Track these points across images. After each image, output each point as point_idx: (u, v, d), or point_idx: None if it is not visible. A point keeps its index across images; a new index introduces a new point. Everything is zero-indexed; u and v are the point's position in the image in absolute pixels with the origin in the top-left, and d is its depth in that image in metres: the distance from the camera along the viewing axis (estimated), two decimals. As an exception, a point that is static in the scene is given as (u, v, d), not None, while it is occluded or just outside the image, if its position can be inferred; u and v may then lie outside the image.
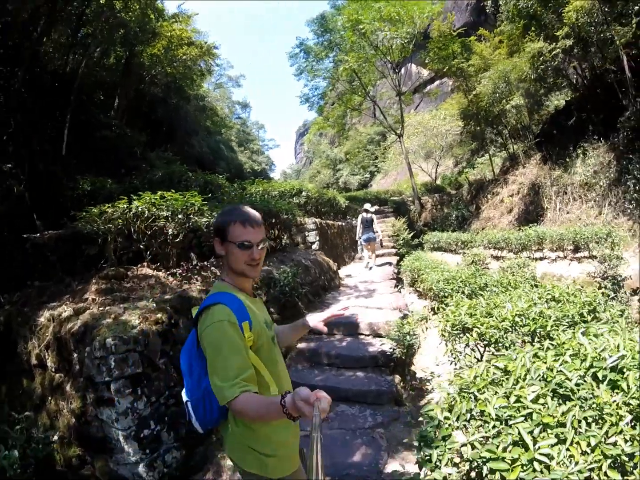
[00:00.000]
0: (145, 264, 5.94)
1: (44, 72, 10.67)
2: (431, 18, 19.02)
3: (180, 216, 5.67)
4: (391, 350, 5.21)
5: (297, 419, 1.47)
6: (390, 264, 12.47)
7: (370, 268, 11.68)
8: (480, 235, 12.58)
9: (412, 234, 15.74)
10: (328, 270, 9.19)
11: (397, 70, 21.56)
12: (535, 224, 13.22)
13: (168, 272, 5.90)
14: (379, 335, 5.97)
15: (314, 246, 10.60)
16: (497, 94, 15.51)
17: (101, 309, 4.30)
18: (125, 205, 5.53)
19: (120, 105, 15.73)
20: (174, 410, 3.91)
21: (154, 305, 4.35)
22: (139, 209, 5.53)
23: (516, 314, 3.69)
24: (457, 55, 17.61)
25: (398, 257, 13.39)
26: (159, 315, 4.16)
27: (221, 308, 1.72)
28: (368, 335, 6.11)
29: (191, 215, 5.87)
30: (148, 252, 5.88)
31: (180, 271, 5.97)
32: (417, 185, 21.90)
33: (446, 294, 6.36)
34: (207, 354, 1.69)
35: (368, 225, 11.51)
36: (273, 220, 8.03)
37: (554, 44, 12.92)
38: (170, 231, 5.67)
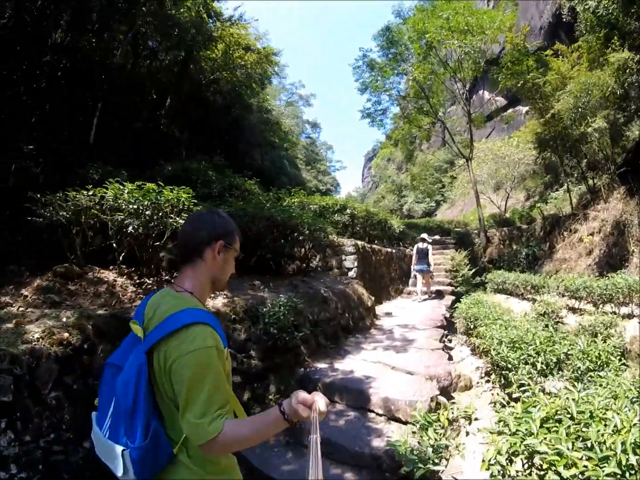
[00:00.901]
0: (114, 266, 4.97)
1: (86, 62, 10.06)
2: (502, 30, 17.02)
3: (147, 212, 4.33)
4: (403, 457, 3.03)
5: (297, 424, 1.42)
6: (442, 303, 10.53)
7: (425, 299, 10.86)
8: (555, 280, 10.34)
9: (473, 271, 13.59)
10: (357, 306, 7.33)
11: (467, 88, 19.65)
12: (620, 271, 10.91)
13: (136, 281, 4.87)
14: (396, 420, 4.05)
15: (351, 273, 8.89)
16: (579, 112, 13.25)
17: (22, 309, 3.78)
18: (99, 194, 4.58)
19: (172, 105, 15.05)
20: (56, 460, 2.87)
21: (73, 319, 3.46)
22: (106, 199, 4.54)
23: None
24: (531, 70, 15.47)
25: (454, 297, 11.29)
26: (65, 335, 3.20)
27: (208, 331, 1.45)
28: (380, 414, 4.15)
29: (169, 214, 4.55)
30: (119, 253, 4.86)
31: (151, 282, 4.70)
32: (485, 216, 19.60)
33: (509, 365, 4.48)
34: (183, 385, 1.37)
35: (423, 256, 10.92)
36: (292, 234, 6.51)
37: (640, 54, 10.90)
38: (130, 229, 4.49)
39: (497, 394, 4.96)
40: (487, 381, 5.91)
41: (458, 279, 12.90)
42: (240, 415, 1.68)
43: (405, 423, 3.83)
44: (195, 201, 4.95)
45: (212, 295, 4.76)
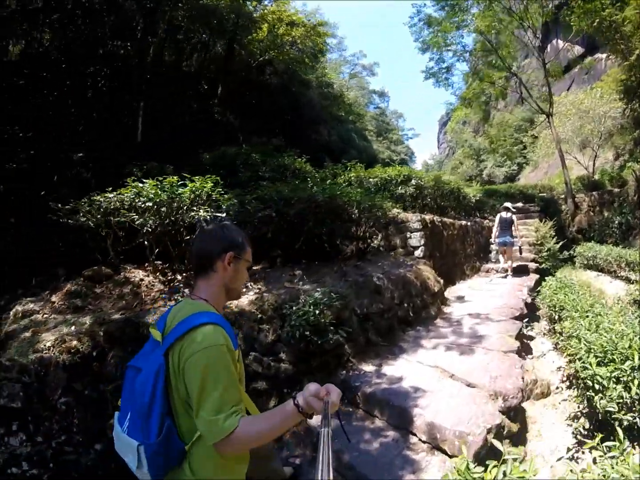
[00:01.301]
0: (147, 264, 4.77)
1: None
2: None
3: (163, 209, 3.86)
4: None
5: (312, 416, 1.43)
6: (524, 282, 9.36)
7: (505, 276, 9.92)
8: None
9: (560, 244, 12.05)
10: (421, 293, 6.41)
11: (538, 37, 17.50)
12: None
13: (168, 277, 4.63)
14: (441, 451, 3.18)
15: (417, 252, 8.03)
16: None
17: (46, 316, 3.85)
18: (126, 194, 4.39)
19: (223, 93, 14.90)
20: (67, 460, 2.95)
21: (87, 326, 3.50)
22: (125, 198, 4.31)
23: None
24: (606, 7, 13.17)
25: (538, 276, 10.00)
26: (74, 343, 3.24)
27: (218, 330, 1.53)
28: (423, 441, 3.31)
29: (191, 206, 4.05)
30: (151, 250, 4.64)
31: (181, 278, 4.56)
32: (571, 179, 17.58)
33: (596, 384, 3.49)
34: (198, 383, 1.43)
35: (506, 226, 9.90)
36: (341, 215, 5.79)
37: None
38: (147, 228, 4.25)
39: (578, 408, 4.08)
40: (569, 387, 4.84)
41: (543, 253, 11.50)
42: (253, 413, 1.75)
43: (451, 457, 3.03)
44: (222, 190, 4.41)
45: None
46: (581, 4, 13.99)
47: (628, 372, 3.37)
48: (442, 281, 7.54)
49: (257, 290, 4.57)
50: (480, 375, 4.15)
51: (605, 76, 22.97)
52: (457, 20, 17.43)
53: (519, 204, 18.36)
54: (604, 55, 29.14)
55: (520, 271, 10.45)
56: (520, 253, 10.66)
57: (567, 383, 4.77)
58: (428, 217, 8.77)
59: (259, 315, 4.11)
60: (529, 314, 7.34)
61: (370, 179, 8.99)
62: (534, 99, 18.52)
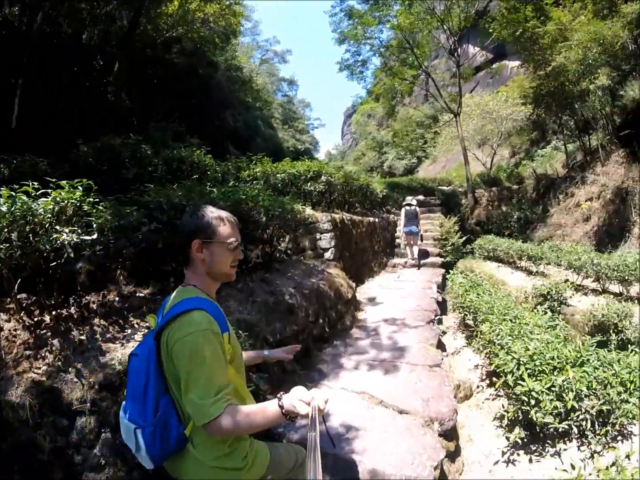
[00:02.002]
0: (9, 299, 3.14)
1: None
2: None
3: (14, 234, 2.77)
4: None
5: (296, 420, 1.48)
6: (432, 278, 9.29)
7: (407, 263, 10.80)
8: (554, 251, 9.12)
9: (464, 239, 12.39)
10: (335, 304, 5.89)
11: (456, 38, 17.78)
12: (621, 243, 10.32)
13: (34, 319, 3.14)
14: None
15: (328, 254, 7.52)
16: (585, 65, 11.87)
17: None
18: None
19: (121, 72, 12.97)
20: None
21: None
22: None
23: None
24: (530, 19, 13.79)
25: (444, 271, 10.12)
26: None
27: (203, 314, 1.53)
28: None
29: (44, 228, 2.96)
30: (12, 282, 3.05)
31: (47, 324, 3.24)
32: (472, 175, 18.18)
33: (532, 400, 3.47)
34: (184, 367, 1.47)
35: (412, 218, 10.72)
36: (248, 225, 4.95)
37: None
38: None
39: (503, 406, 4.07)
40: (490, 385, 4.85)
41: (447, 247, 11.71)
42: (246, 396, 1.77)
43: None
44: (96, 198, 3.38)
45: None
46: (505, 14, 14.48)
47: (560, 384, 3.43)
48: (354, 285, 7.11)
49: (145, 333, 3.63)
50: (411, 399, 3.76)
51: (510, 82, 24.28)
52: (380, 14, 17.22)
53: (420, 197, 18.56)
54: (511, 63, 30.85)
55: (423, 254, 11.34)
56: (421, 239, 11.27)
57: (487, 381, 4.88)
58: (338, 216, 8.30)
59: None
60: (441, 310, 7.28)
61: (278, 175, 8.29)
62: (443, 98, 18.81)
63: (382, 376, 4.29)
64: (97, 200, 3.39)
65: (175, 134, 13.58)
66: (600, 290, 7.29)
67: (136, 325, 3.49)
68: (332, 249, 7.54)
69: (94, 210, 3.27)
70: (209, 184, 5.14)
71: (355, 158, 53.41)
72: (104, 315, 3.36)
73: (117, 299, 3.67)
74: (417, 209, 10.88)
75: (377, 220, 11.01)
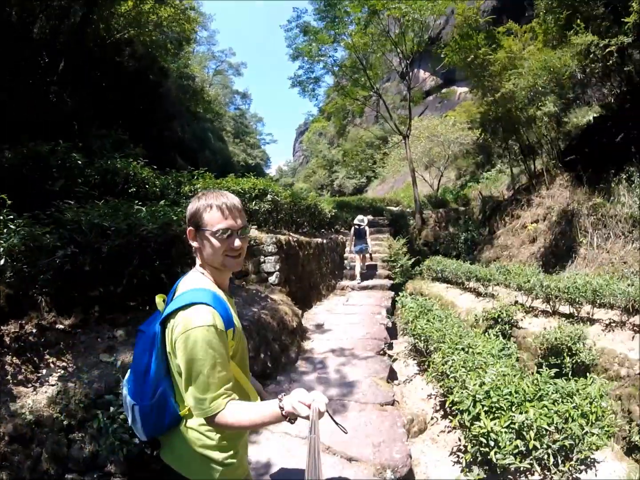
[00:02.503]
0: None
1: None
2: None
3: None
4: None
5: (295, 421, 1.46)
6: (381, 301, 9.00)
7: (357, 286, 10.58)
8: (502, 273, 9.04)
9: (412, 261, 12.25)
10: (279, 335, 5.41)
11: (408, 62, 17.90)
12: (568, 263, 10.25)
13: None
14: None
15: (272, 279, 7.04)
16: (534, 92, 12.12)
17: None
18: None
19: (67, 71, 12.01)
20: None
21: None
22: None
23: None
24: (482, 46, 14.05)
25: (393, 293, 9.83)
26: None
27: (208, 310, 1.47)
28: None
29: None
30: None
31: None
32: (419, 196, 18.28)
33: (490, 440, 3.27)
34: (185, 361, 1.44)
35: (361, 236, 10.92)
36: (181, 248, 4.37)
37: (607, 40, 9.98)
38: None
39: (459, 439, 3.96)
40: (444, 416, 4.61)
41: (396, 269, 11.52)
42: (250, 392, 1.71)
43: None
44: (10, 215, 2.82)
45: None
46: (458, 40, 14.52)
47: (520, 422, 3.25)
48: (300, 312, 6.69)
49: (62, 375, 3.02)
50: (362, 444, 3.40)
51: (458, 107, 25.02)
52: (335, 33, 17.09)
53: (370, 217, 18.49)
54: (460, 89, 31.76)
55: (371, 268, 11.71)
56: (371, 258, 11.61)
57: (442, 412, 4.67)
58: (284, 237, 7.86)
59: (65, 422, 2.67)
60: (390, 335, 7.00)
61: (221, 191, 7.75)
62: (393, 120, 18.88)
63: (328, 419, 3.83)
64: (12, 217, 2.85)
65: (116, 142, 12.75)
66: (551, 311, 7.17)
67: (52, 365, 3.07)
68: (277, 272, 7.08)
69: (5, 230, 2.73)
70: (139, 201, 4.44)
71: (306, 175, 53.53)
72: (17, 351, 2.97)
73: (34, 330, 3.21)
74: (367, 228, 11.07)
75: (325, 241, 10.64)
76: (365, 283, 10.60)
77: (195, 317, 1.43)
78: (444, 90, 30.83)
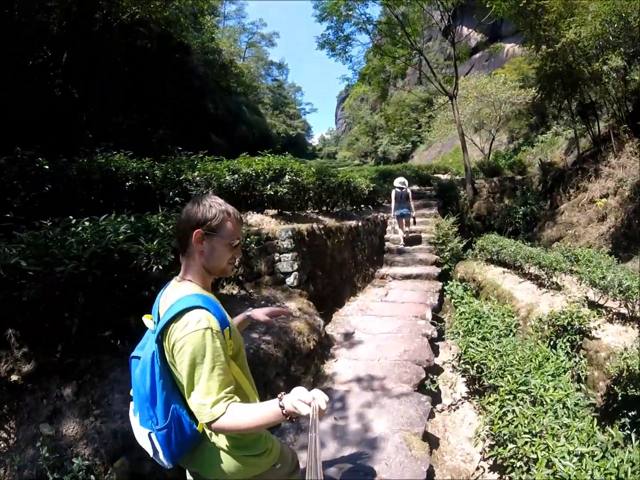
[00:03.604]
0: None
1: None
2: None
3: None
4: None
5: (296, 420, 1.45)
6: (426, 298, 7.59)
7: (402, 245, 10.45)
8: (570, 260, 7.48)
9: (465, 243, 10.58)
10: (287, 366, 4.14)
11: (450, 14, 15.75)
12: None
13: None
14: None
15: (290, 280, 5.82)
16: (601, 42, 10.08)
17: None
18: None
19: (73, 59, 11.02)
20: None
21: None
22: None
23: None
24: None
25: (441, 285, 8.41)
26: None
27: (202, 313, 1.49)
28: None
29: None
30: None
31: None
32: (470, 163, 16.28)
33: None
34: (185, 367, 1.44)
35: (403, 200, 10.33)
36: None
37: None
38: None
39: None
40: (493, 469, 3.54)
41: (445, 253, 9.97)
42: (250, 394, 1.70)
43: None
44: None
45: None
46: None
47: None
48: (322, 323, 5.41)
49: None
50: None
51: (508, 64, 23.75)
52: None
53: (415, 187, 17.25)
54: (508, 45, 29.42)
55: (413, 241, 10.76)
56: (414, 223, 10.81)
57: (491, 462, 3.62)
58: (305, 226, 6.58)
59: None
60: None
61: (227, 177, 6.53)
62: (437, 80, 16.82)
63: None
64: None
65: (130, 127, 11.87)
66: (629, 316, 5.62)
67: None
68: (295, 273, 5.84)
69: None
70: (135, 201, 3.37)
71: (349, 143, 52.19)
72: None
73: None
74: (409, 190, 10.45)
75: (361, 223, 9.26)
76: (409, 270, 9.18)
77: (190, 321, 1.44)
78: (493, 45, 28.46)
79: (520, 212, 12.83)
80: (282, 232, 5.98)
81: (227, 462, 1.61)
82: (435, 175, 21.30)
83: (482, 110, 20.08)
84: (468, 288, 8.48)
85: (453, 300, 7.94)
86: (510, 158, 19.72)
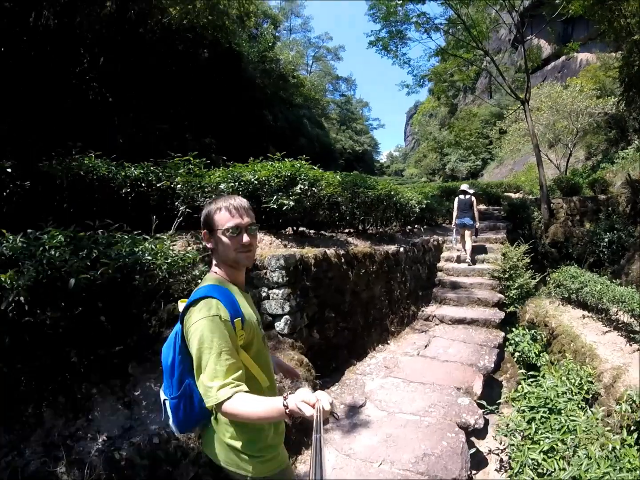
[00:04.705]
0: None
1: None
2: None
3: None
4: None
5: (299, 419, 1.42)
6: (478, 362, 5.50)
7: (459, 258, 9.27)
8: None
9: (538, 279, 8.19)
10: None
11: (518, 12, 13.62)
12: None
13: None
14: None
15: (280, 326, 4.15)
16: None
17: None
18: None
19: (107, 62, 10.33)
20: None
21: None
22: None
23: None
24: None
25: (502, 338, 6.34)
26: None
27: (212, 302, 1.54)
28: None
29: None
30: None
31: None
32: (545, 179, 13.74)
33: None
34: (195, 351, 1.50)
35: (466, 208, 9.27)
36: None
37: None
38: None
39: None
40: None
41: (512, 291, 7.77)
42: (261, 380, 1.69)
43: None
44: None
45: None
46: None
47: None
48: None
49: None
50: None
51: (583, 72, 22.07)
52: None
53: (482, 207, 15.07)
54: (580, 55, 28.42)
55: (479, 250, 9.60)
56: (476, 234, 9.62)
57: None
58: (315, 252, 4.89)
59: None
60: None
61: (222, 185, 5.04)
62: (507, 82, 14.52)
63: None
64: None
65: (163, 133, 10.95)
66: None
67: None
68: (287, 316, 4.17)
69: None
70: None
71: (417, 160, 50.38)
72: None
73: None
74: (473, 198, 9.32)
75: (403, 248, 7.36)
76: (463, 313, 7.10)
77: (201, 309, 1.50)
78: (561, 59, 26.20)
79: (606, 240, 10.24)
80: (271, 260, 4.33)
81: (220, 449, 1.64)
82: (506, 194, 18.95)
83: (557, 123, 18.05)
84: (538, 337, 6.46)
85: (517, 354, 6.01)
86: (588, 176, 16.89)
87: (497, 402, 4.30)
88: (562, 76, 28.81)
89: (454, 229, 9.40)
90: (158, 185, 4.92)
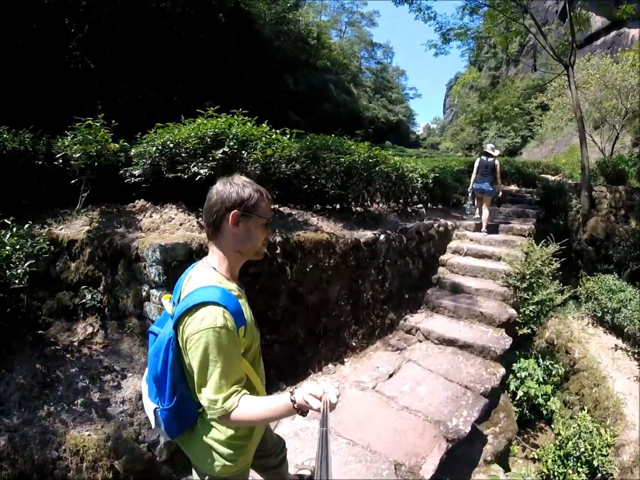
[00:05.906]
0: None
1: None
2: None
3: None
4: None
5: (306, 414, 1.38)
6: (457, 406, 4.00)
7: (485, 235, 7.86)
8: None
9: (566, 294, 6.21)
10: None
11: None
12: None
13: None
14: None
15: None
16: None
17: None
18: None
19: (92, 32, 9.58)
20: None
21: None
22: None
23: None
24: None
25: (502, 374, 4.49)
26: None
27: (219, 310, 1.39)
28: None
29: None
30: None
31: None
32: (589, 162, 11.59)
33: None
34: (197, 363, 1.39)
35: (487, 172, 8.07)
36: None
37: None
38: None
39: None
40: None
41: (529, 307, 5.66)
42: (259, 389, 1.62)
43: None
44: None
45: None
46: None
47: None
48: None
49: None
50: None
51: (635, 46, 20.59)
52: None
53: (513, 187, 13.68)
54: (632, 31, 27.19)
55: (494, 230, 8.19)
56: (499, 205, 9.32)
57: None
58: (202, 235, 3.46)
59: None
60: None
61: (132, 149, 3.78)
62: (550, 46, 12.32)
63: None
64: None
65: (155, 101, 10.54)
66: None
67: None
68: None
69: None
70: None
71: (453, 133, 48.49)
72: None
73: None
74: (497, 162, 8.16)
75: (383, 236, 5.61)
76: (456, 330, 5.31)
77: (205, 318, 1.36)
78: (612, 34, 26.69)
79: (655, 245, 8.41)
80: (149, 251, 2.98)
81: (200, 448, 1.59)
82: (543, 175, 16.86)
83: (604, 101, 16.10)
84: (553, 371, 4.94)
85: (520, 393, 4.54)
86: (634, 164, 14.56)
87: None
88: (612, 52, 26.92)
89: (469, 194, 8.51)
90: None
